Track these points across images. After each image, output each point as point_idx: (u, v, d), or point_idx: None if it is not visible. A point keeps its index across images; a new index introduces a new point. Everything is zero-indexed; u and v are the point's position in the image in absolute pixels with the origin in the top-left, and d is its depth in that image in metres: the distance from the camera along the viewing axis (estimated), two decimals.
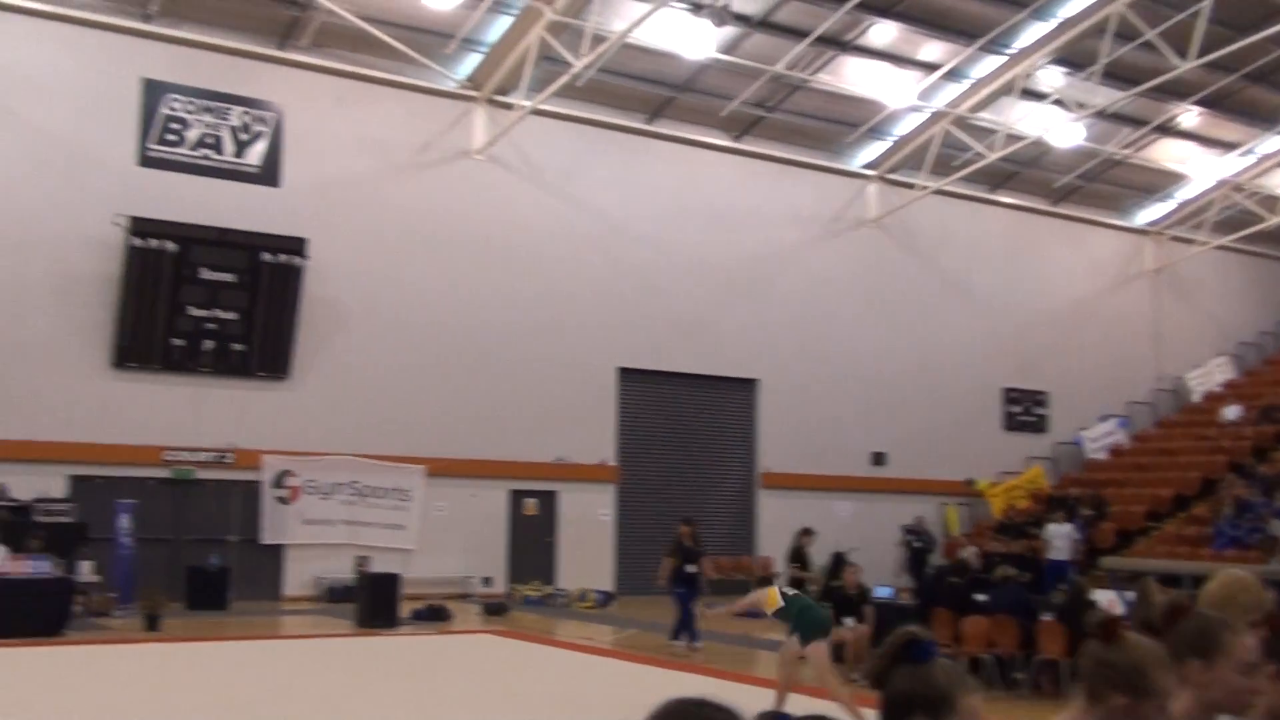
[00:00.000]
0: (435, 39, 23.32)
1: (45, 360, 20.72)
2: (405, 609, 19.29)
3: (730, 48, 24.26)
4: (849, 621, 14.36)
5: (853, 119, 27.76)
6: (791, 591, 12.44)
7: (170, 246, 21.20)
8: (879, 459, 29.13)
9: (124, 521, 19.54)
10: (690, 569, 17.13)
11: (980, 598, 14.79)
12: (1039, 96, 26.66)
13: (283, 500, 22.52)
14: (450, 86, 24.58)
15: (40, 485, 19.80)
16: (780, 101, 26.98)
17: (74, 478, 20.75)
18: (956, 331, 30.16)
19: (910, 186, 28.69)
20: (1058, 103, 26.33)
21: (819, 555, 21.40)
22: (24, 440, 20.16)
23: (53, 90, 21.18)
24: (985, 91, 26.59)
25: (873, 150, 29.11)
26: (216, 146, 22.35)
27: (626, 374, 26.33)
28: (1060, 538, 23.04)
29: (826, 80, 25.78)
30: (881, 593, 16.22)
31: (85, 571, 18.63)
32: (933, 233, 30.06)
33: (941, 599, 15.26)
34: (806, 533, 21.32)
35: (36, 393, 20.52)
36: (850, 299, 29.01)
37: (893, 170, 29.34)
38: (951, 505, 29.28)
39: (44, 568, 16.75)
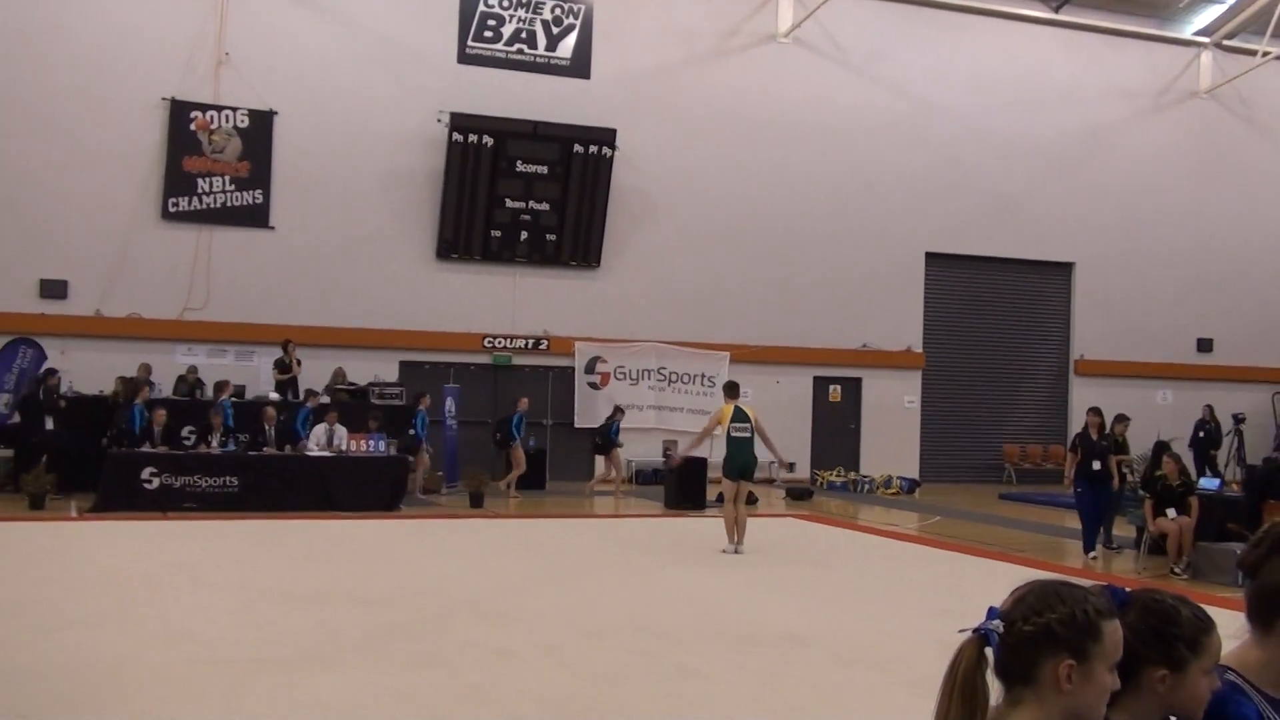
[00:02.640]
0: None
1: (376, 253, 22.04)
2: (711, 492, 19.74)
3: None
4: (1171, 513, 13.83)
5: None
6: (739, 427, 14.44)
7: (488, 141, 22.03)
8: (1205, 345, 27.59)
9: (449, 405, 20.74)
10: (1095, 466, 14.82)
11: None
12: None
13: (594, 386, 23.35)
14: None
15: (374, 370, 21.26)
16: None
17: (404, 363, 22.15)
18: None
19: (1251, 53, 26.58)
20: None
21: (1137, 445, 20.54)
22: (359, 328, 21.64)
23: None
24: None
25: (1207, 15, 27.12)
26: (530, 41, 22.94)
27: (933, 258, 25.77)
28: None
29: None
30: (1207, 484, 15.56)
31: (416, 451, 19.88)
32: (1275, 102, 27.84)
33: (1274, 492, 14.43)
34: (1120, 420, 20.47)
35: (369, 284, 21.90)
36: (1178, 176, 27.36)
37: (1230, 36, 27.27)
38: None
39: (381, 447, 17.97)
